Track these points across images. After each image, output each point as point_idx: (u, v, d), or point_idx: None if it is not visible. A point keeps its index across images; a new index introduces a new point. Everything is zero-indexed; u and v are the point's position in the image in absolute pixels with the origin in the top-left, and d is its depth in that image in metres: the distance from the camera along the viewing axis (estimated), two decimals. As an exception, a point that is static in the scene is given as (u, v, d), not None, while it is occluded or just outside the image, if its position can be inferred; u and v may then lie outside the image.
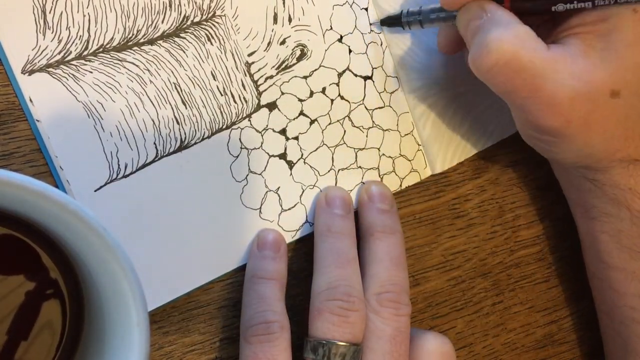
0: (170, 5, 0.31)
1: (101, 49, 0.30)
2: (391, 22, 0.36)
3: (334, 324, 0.30)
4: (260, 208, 0.34)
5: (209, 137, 0.32)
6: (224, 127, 0.33)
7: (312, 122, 0.35)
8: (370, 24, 0.36)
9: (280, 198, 0.34)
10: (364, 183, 0.36)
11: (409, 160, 0.37)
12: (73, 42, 0.29)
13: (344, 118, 0.36)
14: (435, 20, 0.34)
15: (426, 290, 0.38)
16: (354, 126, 0.36)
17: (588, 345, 0.41)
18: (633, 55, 0.29)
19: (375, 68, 0.36)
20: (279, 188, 0.34)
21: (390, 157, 0.37)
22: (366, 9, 0.36)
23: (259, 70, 0.34)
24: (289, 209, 0.34)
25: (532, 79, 0.29)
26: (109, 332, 0.26)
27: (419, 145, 0.37)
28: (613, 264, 0.35)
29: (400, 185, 0.37)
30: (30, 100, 0.28)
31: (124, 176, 0.30)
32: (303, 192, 0.35)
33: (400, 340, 0.31)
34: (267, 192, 0.34)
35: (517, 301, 0.40)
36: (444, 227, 0.39)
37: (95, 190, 0.29)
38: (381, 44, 0.36)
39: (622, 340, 0.36)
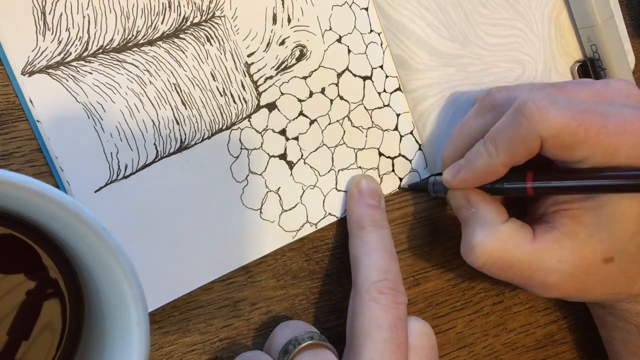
0: (170, 7, 0.31)
1: (101, 50, 0.30)
2: (418, 188, 0.37)
3: (386, 310, 0.31)
4: (261, 208, 0.34)
5: (209, 137, 0.32)
6: (224, 127, 0.33)
7: (311, 122, 0.35)
8: (400, 188, 0.37)
9: (280, 198, 0.34)
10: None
11: (409, 160, 0.37)
12: (73, 44, 0.29)
13: (344, 118, 0.36)
14: (443, 191, 0.35)
15: (426, 290, 0.38)
16: (354, 126, 0.36)
17: (588, 345, 0.41)
18: (622, 228, 0.30)
19: (375, 68, 0.36)
20: (279, 188, 0.34)
21: (389, 157, 0.37)
22: (366, 9, 0.36)
23: (258, 70, 0.34)
24: (290, 209, 0.34)
25: (520, 272, 0.31)
26: (109, 332, 0.26)
27: (419, 144, 0.37)
28: None
29: (399, 186, 0.37)
30: (30, 101, 0.28)
31: (124, 177, 0.30)
32: (304, 192, 0.35)
33: (400, 327, 0.31)
34: (267, 192, 0.34)
35: (517, 301, 0.40)
36: (444, 226, 0.39)
37: (95, 191, 0.29)
38: (381, 44, 0.36)
39: None
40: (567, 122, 0.28)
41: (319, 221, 0.35)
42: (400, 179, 0.37)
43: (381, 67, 0.36)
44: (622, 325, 0.36)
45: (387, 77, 0.36)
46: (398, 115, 0.37)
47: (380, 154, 0.37)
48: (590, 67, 0.40)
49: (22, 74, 0.28)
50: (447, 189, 0.34)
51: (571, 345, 0.41)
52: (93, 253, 0.24)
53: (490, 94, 0.33)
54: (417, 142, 0.37)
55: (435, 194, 0.36)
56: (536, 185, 0.31)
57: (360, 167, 0.36)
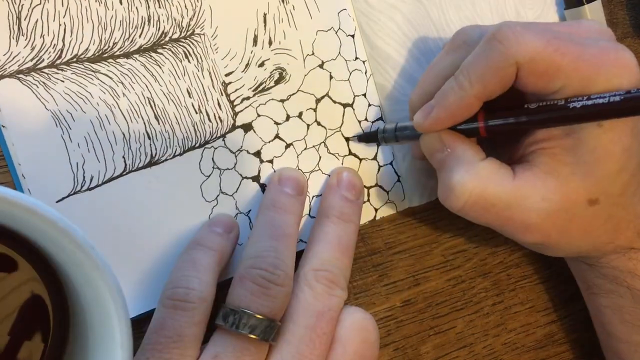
0: (149, 21, 0.31)
1: (75, 59, 0.30)
2: (368, 138, 0.36)
3: (252, 293, 0.28)
4: (229, 230, 0.33)
5: (180, 154, 0.32)
6: (197, 145, 0.32)
7: (287, 146, 0.35)
8: (349, 138, 0.36)
9: (250, 221, 0.33)
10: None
11: (386, 191, 0.37)
12: (46, 51, 0.29)
13: (320, 144, 0.35)
14: (410, 137, 0.34)
15: (426, 290, 0.38)
16: (330, 153, 0.35)
17: (588, 345, 0.41)
18: (604, 167, 0.29)
19: (357, 96, 0.36)
20: (249, 211, 0.33)
21: (365, 186, 0.36)
22: (352, 36, 0.36)
23: (235, 90, 0.33)
24: (259, 232, 0.34)
25: (502, 211, 0.30)
26: (92, 350, 0.25)
27: (398, 176, 0.37)
28: (617, 336, 0.35)
29: (375, 217, 0.36)
30: (-2, 105, 0.28)
31: (89, 189, 0.29)
32: (274, 216, 0.34)
33: (328, 317, 0.30)
34: (237, 214, 0.33)
35: (518, 301, 0.40)
36: (444, 226, 0.38)
37: (57, 201, 0.29)
38: (365, 72, 0.36)
39: None
40: (544, 46, 0.27)
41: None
42: (376, 210, 0.36)
43: (364, 95, 0.36)
44: (612, 287, 0.34)
45: (369, 105, 0.36)
46: (378, 145, 0.36)
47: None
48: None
49: (-9, 77, 0.28)
50: (414, 135, 0.33)
51: (571, 345, 0.40)
52: (80, 271, 0.23)
53: (462, 30, 0.32)
54: (396, 173, 0.37)
55: (386, 142, 0.35)
56: (490, 123, 0.29)
57: (335, 195, 0.35)
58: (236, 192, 0.33)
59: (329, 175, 0.35)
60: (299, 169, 0.35)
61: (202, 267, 0.29)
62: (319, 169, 0.35)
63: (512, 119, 0.29)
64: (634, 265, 0.32)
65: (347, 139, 0.35)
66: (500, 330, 0.39)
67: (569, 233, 0.30)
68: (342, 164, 0.36)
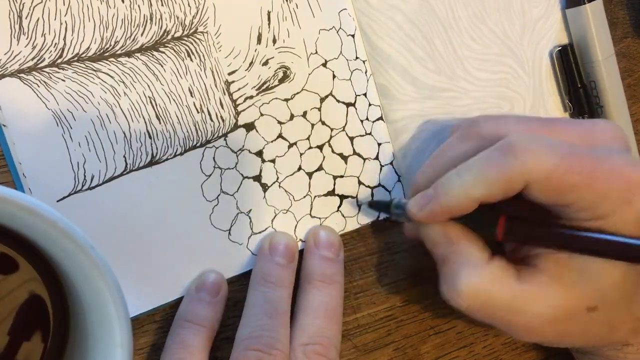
0: (151, 19, 0.31)
1: (76, 58, 0.29)
2: (380, 207, 0.35)
3: None
4: (230, 230, 0.33)
5: (181, 153, 0.32)
6: (198, 144, 0.32)
7: (290, 145, 0.34)
8: (359, 205, 0.35)
9: (251, 220, 0.33)
10: (339, 211, 0.35)
11: (389, 191, 0.37)
12: (47, 49, 0.29)
13: (324, 144, 0.35)
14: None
15: (426, 290, 0.37)
16: (334, 152, 0.35)
17: None
18: (608, 276, 0.29)
19: (359, 95, 0.36)
20: (250, 210, 0.33)
21: (369, 186, 0.36)
22: (353, 36, 0.35)
23: (238, 89, 0.33)
24: (260, 232, 0.34)
25: (505, 315, 0.30)
26: (92, 350, 0.25)
27: (398, 176, 0.37)
28: None
29: (378, 217, 0.36)
30: (-2, 104, 0.28)
31: (89, 188, 0.29)
32: (275, 216, 0.34)
33: None
34: (238, 213, 0.33)
35: None
36: None
37: (57, 201, 0.29)
38: (365, 72, 0.36)
39: None
40: (558, 165, 0.27)
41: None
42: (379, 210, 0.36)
43: (365, 94, 0.36)
44: None
45: (370, 105, 0.36)
46: (379, 144, 0.36)
47: (360, 183, 0.36)
48: (570, 54, 0.39)
49: (-9, 76, 0.28)
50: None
51: None
52: (80, 271, 0.23)
53: (477, 122, 0.32)
54: (396, 173, 0.37)
55: (397, 218, 0.33)
56: (511, 237, 0.29)
57: (337, 195, 0.35)
58: (237, 191, 0.33)
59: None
60: (301, 169, 0.34)
61: (194, 349, 0.29)
62: (323, 169, 0.35)
63: (537, 240, 0.30)
64: (624, 356, 0.33)
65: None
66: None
67: (567, 335, 0.31)
68: (345, 164, 0.35)
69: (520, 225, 0.30)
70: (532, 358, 0.40)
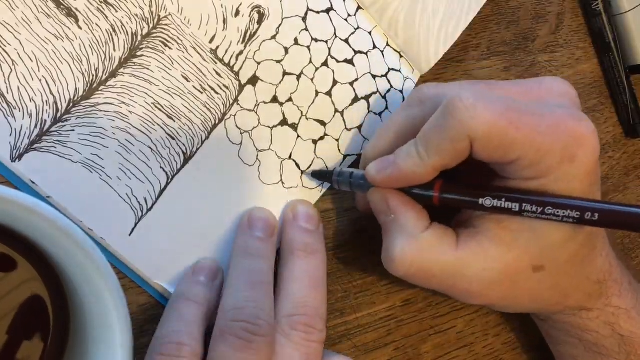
0: (114, 30, 0.30)
1: (71, 104, 0.29)
2: (322, 177, 0.34)
3: (236, 348, 0.27)
4: (282, 179, 0.34)
5: (207, 138, 0.32)
6: (217, 122, 0.32)
7: (298, 77, 0.34)
8: (302, 172, 0.34)
9: (295, 162, 0.34)
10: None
11: (398, 71, 0.36)
12: (43, 110, 0.29)
13: (327, 59, 0.34)
14: (363, 188, 0.32)
15: (426, 289, 0.37)
16: (339, 62, 0.35)
17: None
18: (550, 234, 0.28)
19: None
20: (291, 154, 0.34)
21: (382, 75, 0.36)
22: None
23: (226, 52, 0.32)
24: (308, 167, 0.35)
25: (444, 281, 0.29)
26: (92, 350, 0.25)
27: (399, 53, 0.36)
28: None
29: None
30: (32, 182, 0.28)
31: (149, 210, 0.31)
32: (315, 146, 0.35)
33: None
34: (281, 162, 0.34)
35: None
36: None
37: (129, 235, 0.30)
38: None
39: None
40: (497, 120, 0.26)
41: (340, 167, 0.35)
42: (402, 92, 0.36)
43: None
44: (566, 339, 0.34)
45: (344, 0, 0.35)
46: (370, 33, 0.35)
47: (374, 77, 0.36)
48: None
49: (12, 161, 0.28)
50: (367, 187, 0.32)
51: None
52: (81, 271, 0.23)
53: (419, 88, 0.31)
54: (396, 50, 0.36)
55: (339, 186, 0.33)
56: (445, 196, 0.29)
57: (362, 98, 0.35)
58: (272, 144, 0.34)
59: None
60: (318, 92, 0.34)
61: (191, 322, 0.29)
62: (338, 82, 0.35)
63: (468, 199, 0.29)
64: (583, 322, 0.33)
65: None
66: (500, 330, 0.39)
67: (514, 298, 0.30)
68: (354, 66, 0.35)
69: (454, 189, 0.29)
70: (532, 358, 0.40)
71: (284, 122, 0.34)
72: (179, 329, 0.28)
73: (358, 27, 0.35)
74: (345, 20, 0.35)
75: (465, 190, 0.29)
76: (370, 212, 0.32)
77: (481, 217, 0.30)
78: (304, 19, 0.34)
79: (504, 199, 0.28)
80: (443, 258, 0.29)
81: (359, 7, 0.35)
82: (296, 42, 0.34)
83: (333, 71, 0.35)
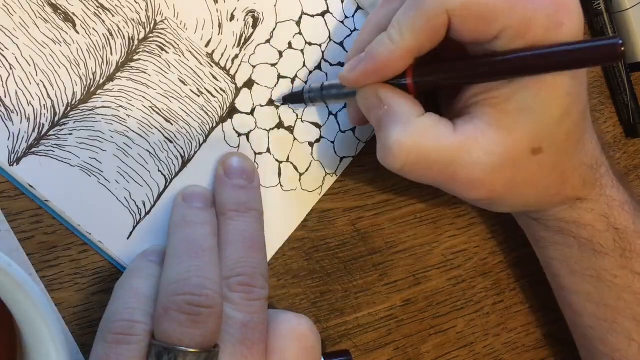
0: (111, 34, 0.30)
1: (69, 108, 0.29)
2: (293, 99, 0.34)
3: (181, 324, 0.25)
4: (280, 182, 0.34)
5: (205, 141, 0.32)
6: (215, 125, 0.33)
7: (293, 80, 0.34)
8: (273, 101, 0.34)
9: (293, 164, 0.34)
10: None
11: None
12: (41, 114, 0.29)
13: (320, 62, 0.35)
14: (337, 96, 0.32)
15: (427, 289, 0.38)
16: (333, 65, 0.35)
17: None
18: (547, 112, 0.28)
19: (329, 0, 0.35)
20: (288, 156, 0.34)
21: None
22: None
23: (222, 55, 0.33)
24: (306, 170, 0.35)
25: (444, 169, 0.28)
26: None
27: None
28: (567, 287, 0.35)
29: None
30: (30, 185, 0.28)
31: (147, 213, 0.31)
32: (312, 148, 0.35)
33: (253, 326, 0.27)
34: (279, 164, 0.34)
35: (518, 300, 0.40)
36: (444, 226, 0.38)
37: (127, 238, 0.30)
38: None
39: (590, 356, 0.36)
40: None
41: (337, 169, 0.35)
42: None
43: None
44: (559, 239, 0.33)
45: (342, 2, 0.35)
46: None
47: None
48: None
49: (10, 165, 0.28)
50: (341, 94, 0.31)
51: (571, 344, 0.38)
52: (21, 310, 0.23)
53: None
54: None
55: (312, 102, 0.33)
56: (419, 80, 0.28)
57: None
58: (269, 146, 0.34)
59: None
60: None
61: (144, 297, 0.27)
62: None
63: (442, 75, 0.28)
64: (579, 215, 0.32)
65: (272, 101, 0.34)
66: (500, 330, 0.39)
67: (515, 186, 0.29)
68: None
69: (427, 68, 0.28)
70: (532, 358, 0.40)
71: (280, 125, 0.34)
72: (133, 306, 0.26)
73: (355, 29, 0.36)
74: (342, 22, 0.35)
75: (439, 66, 0.28)
76: (363, 120, 0.31)
77: (475, 104, 0.28)
78: (298, 22, 0.34)
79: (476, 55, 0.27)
80: (442, 142, 0.28)
81: (358, 8, 0.36)
82: (290, 46, 0.34)
83: (326, 74, 0.35)
